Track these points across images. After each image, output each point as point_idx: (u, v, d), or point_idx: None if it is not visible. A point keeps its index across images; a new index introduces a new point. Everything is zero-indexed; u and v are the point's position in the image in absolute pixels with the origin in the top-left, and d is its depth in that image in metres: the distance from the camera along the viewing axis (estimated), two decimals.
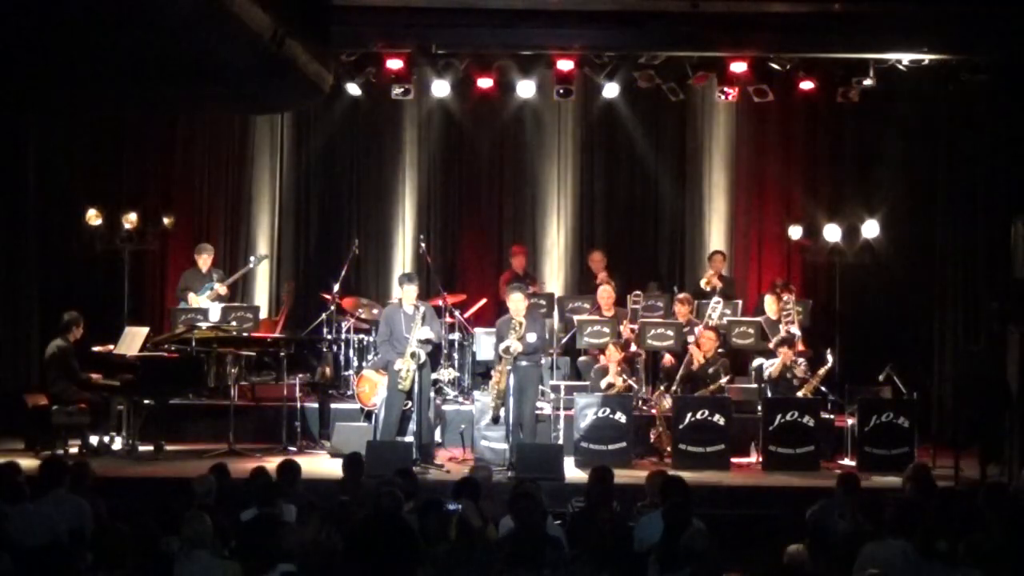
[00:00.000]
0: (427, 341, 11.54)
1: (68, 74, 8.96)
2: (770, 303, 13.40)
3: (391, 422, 11.54)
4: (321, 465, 11.41)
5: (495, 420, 11.72)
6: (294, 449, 12.07)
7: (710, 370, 12.39)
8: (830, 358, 12.45)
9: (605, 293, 13.55)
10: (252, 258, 14.13)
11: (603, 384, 12.21)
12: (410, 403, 11.53)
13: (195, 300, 13.35)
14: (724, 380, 12.20)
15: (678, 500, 7.50)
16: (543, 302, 13.57)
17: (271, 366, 12.43)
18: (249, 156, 15.10)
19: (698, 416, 11.70)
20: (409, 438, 11.49)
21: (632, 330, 13.13)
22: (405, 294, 11.68)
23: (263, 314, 14.11)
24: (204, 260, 13.72)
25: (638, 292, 13.82)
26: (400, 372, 11.40)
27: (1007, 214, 12.08)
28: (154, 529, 6.67)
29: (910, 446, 11.69)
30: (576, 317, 13.30)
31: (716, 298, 13.50)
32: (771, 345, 12.57)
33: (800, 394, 12.10)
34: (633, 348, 13.01)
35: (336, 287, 13.49)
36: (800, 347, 12.71)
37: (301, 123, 15.02)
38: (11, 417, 12.41)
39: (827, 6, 11.32)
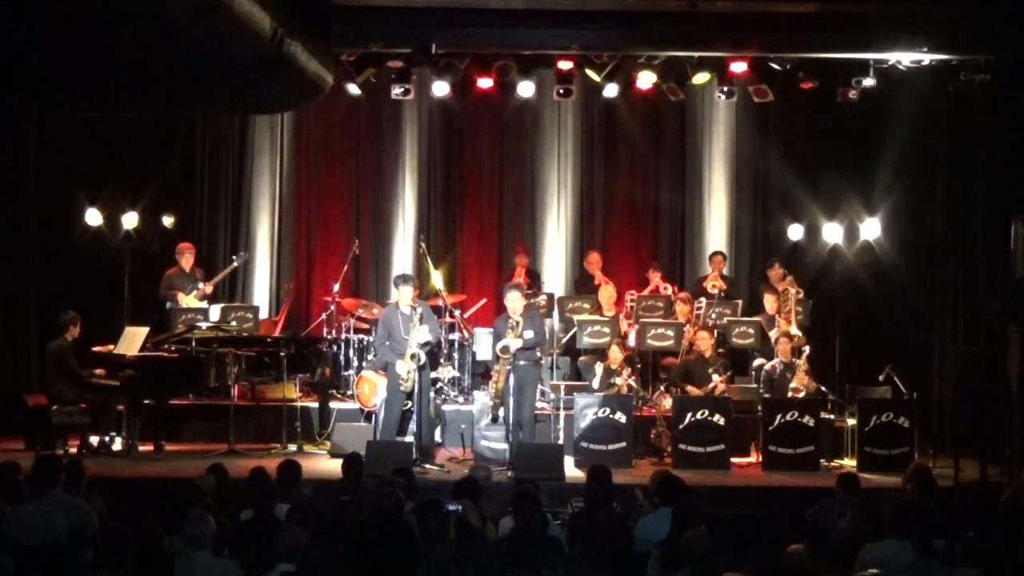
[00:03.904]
0: (426, 343, 11.55)
1: (68, 74, 8.95)
2: (770, 301, 13.42)
3: (391, 422, 11.54)
4: (321, 465, 11.42)
5: (495, 420, 11.73)
6: (294, 449, 12.08)
7: (709, 370, 12.41)
8: (806, 348, 12.45)
9: (607, 293, 13.60)
10: (235, 257, 14.11)
11: (595, 383, 12.22)
12: (410, 403, 11.54)
13: (185, 300, 13.37)
14: (719, 378, 12.20)
15: (689, 499, 7.52)
16: (543, 300, 13.58)
17: (271, 366, 12.44)
18: (249, 156, 15.10)
19: (698, 416, 11.70)
20: (409, 438, 11.51)
21: (630, 324, 13.16)
22: (401, 295, 11.69)
23: (263, 314, 14.13)
24: (187, 260, 13.72)
25: (632, 292, 13.84)
26: (401, 375, 11.40)
27: (1007, 214, 12.07)
28: (155, 529, 6.67)
29: (910, 446, 11.70)
30: (576, 317, 13.32)
31: (701, 299, 13.56)
32: (772, 336, 12.62)
33: (793, 384, 12.07)
34: (632, 344, 13.00)
35: (336, 287, 13.50)
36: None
37: (301, 123, 15.02)
38: (11, 417, 12.42)
39: (827, 6, 11.31)
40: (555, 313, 13.68)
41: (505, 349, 11.38)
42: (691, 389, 12.36)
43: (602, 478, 8.43)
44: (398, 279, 11.93)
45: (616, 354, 12.31)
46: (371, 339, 13.05)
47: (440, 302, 13.24)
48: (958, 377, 12.28)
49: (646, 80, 13.21)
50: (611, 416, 11.75)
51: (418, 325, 11.43)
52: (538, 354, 11.91)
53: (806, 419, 11.72)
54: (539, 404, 12.21)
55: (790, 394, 12.09)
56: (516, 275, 14.02)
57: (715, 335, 12.92)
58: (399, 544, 4.77)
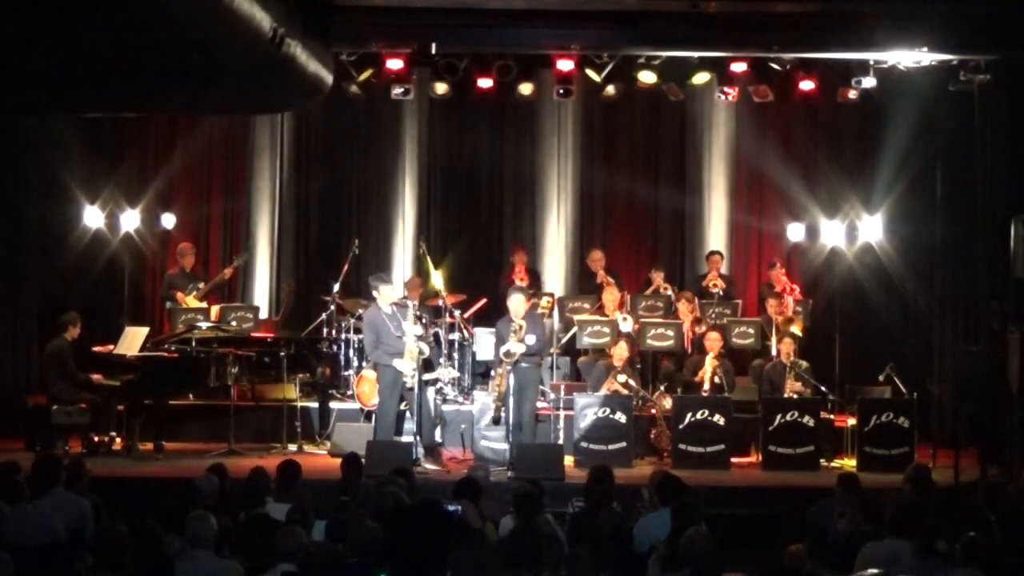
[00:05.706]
0: (421, 337, 11.52)
1: (68, 74, 8.94)
2: (771, 303, 13.41)
3: (387, 423, 11.52)
4: (321, 465, 11.41)
5: (495, 422, 11.71)
6: (294, 449, 12.08)
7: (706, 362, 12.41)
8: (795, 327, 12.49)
9: (611, 296, 13.55)
10: (234, 257, 14.11)
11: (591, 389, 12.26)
12: (405, 402, 11.53)
13: (185, 300, 13.37)
14: (715, 364, 12.17)
15: (689, 499, 7.52)
16: (545, 303, 13.57)
17: (271, 366, 12.44)
18: (249, 156, 15.10)
19: (698, 416, 11.70)
20: (409, 438, 11.50)
21: (625, 319, 13.16)
22: (382, 295, 11.60)
23: (263, 314, 14.12)
24: (187, 260, 13.73)
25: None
26: (405, 372, 11.36)
27: (1007, 214, 12.07)
28: (156, 529, 6.67)
29: (910, 446, 11.70)
30: (576, 317, 13.31)
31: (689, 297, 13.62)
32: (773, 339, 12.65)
33: (786, 395, 12.05)
34: (628, 328, 12.99)
35: (336, 287, 13.50)
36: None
37: (301, 122, 15.02)
38: (11, 417, 12.43)
39: (827, 6, 11.32)
40: (555, 313, 13.64)
41: (508, 354, 11.36)
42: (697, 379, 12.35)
43: (603, 478, 8.43)
44: (375, 279, 11.79)
45: (622, 351, 12.27)
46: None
47: (440, 302, 13.23)
48: (958, 377, 12.26)
49: (646, 80, 13.21)
50: (611, 416, 11.75)
51: (412, 323, 11.37)
52: (539, 356, 11.90)
53: (806, 419, 11.72)
54: (539, 404, 12.20)
55: (788, 394, 12.09)
56: (515, 274, 14.02)
57: (723, 337, 12.88)
58: (440, 533, 4.81)
